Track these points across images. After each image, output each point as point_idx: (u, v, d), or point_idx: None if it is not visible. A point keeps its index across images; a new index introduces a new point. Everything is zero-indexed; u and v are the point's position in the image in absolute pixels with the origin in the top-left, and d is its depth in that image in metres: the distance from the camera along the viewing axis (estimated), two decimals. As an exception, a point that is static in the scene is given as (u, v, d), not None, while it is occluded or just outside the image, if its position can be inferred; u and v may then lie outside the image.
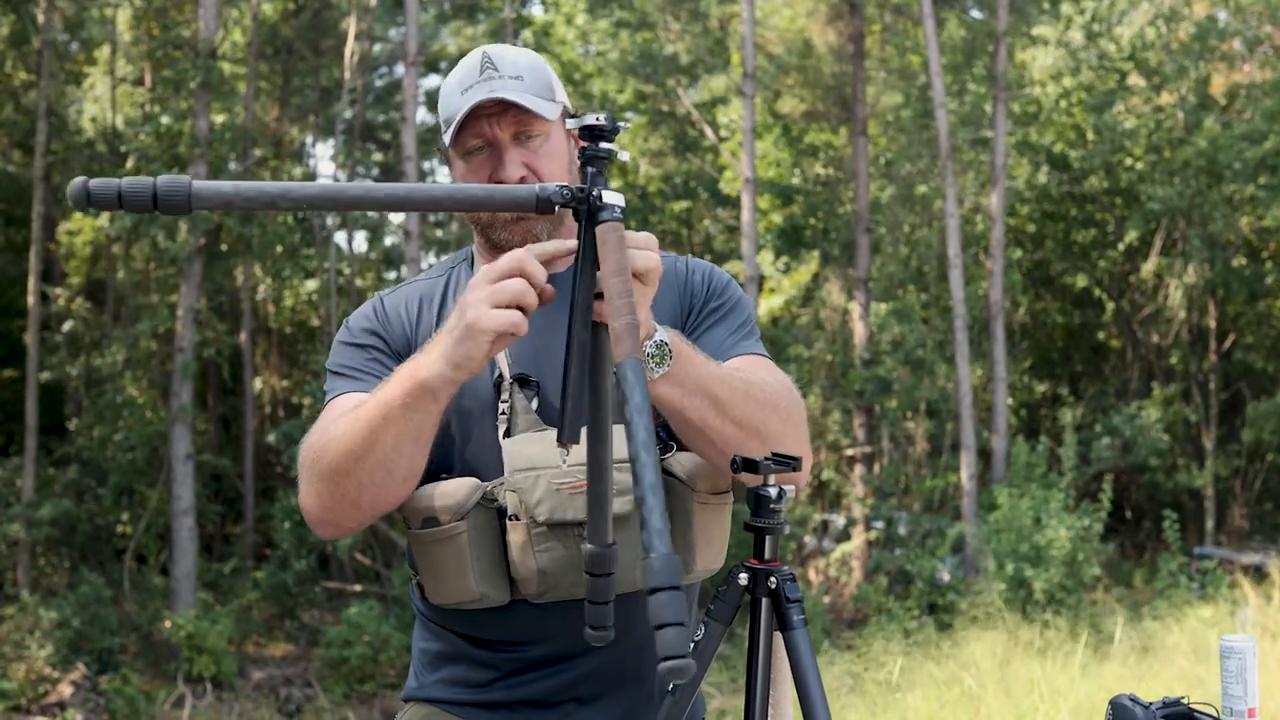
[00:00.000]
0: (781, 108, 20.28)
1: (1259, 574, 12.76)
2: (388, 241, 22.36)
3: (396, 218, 18.77)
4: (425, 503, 1.70)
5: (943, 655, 8.09)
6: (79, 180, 1.26)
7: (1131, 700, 1.70)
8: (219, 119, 16.17)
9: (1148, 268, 19.84)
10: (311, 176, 21.87)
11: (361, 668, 13.38)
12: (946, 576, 14.24)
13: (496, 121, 1.74)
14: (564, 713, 1.80)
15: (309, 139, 21.71)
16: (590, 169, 1.40)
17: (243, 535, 17.37)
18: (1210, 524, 18.54)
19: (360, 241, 22.27)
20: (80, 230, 19.13)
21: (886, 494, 17.17)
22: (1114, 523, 17.35)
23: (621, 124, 1.43)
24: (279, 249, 16.44)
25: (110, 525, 15.77)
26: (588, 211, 1.40)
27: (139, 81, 18.61)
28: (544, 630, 1.76)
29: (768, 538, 1.60)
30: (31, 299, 15.27)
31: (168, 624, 13.80)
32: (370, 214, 19.13)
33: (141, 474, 15.67)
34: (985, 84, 17.71)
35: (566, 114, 1.81)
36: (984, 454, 16.33)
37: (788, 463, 1.57)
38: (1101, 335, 22.10)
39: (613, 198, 1.39)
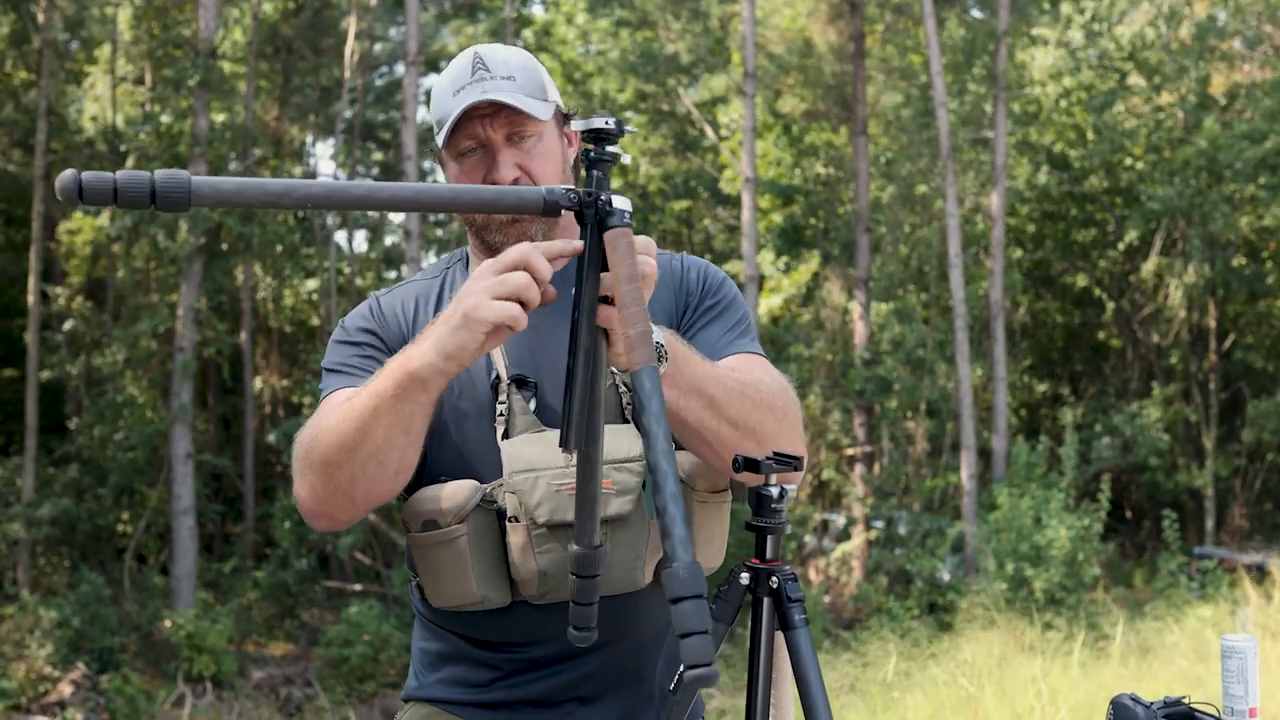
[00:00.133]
0: (782, 107, 20.28)
1: (1259, 573, 12.76)
2: (388, 241, 22.38)
3: (396, 217, 18.77)
4: (424, 506, 1.70)
5: (942, 655, 8.09)
6: (69, 173, 1.18)
7: (1133, 700, 1.69)
8: (219, 118, 16.18)
9: (1148, 267, 19.84)
10: (311, 175, 21.87)
11: (362, 667, 13.38)
12: (946, 576, 14.24)
13: (489, 123, 1.74)
14: (564, 712, 1.80)
15: (309, 138, 21.72)
16: (596, 172, 1.39)
17: (243, 534, 17.37)
18: (1210, 524, 18.54)
19: (360, 241, 22.30)
20: (80, 229, 19.13)
21: (887, 494, 17.17)
22: (1114, 522, 17.36)
23: (628, 128, 1.42)
24: (279, 248, 16.44)
25: (110, 525, 15.77)
26: (596, 216, 1.39)
27: (139, 80, 18.60)
28: (544, 631, 1.76)
29: (769, 537, 1.59)
30: (32, 298, 15.27)
31: (168, 623, 13.80)
32: (370, 213, 19.14)
33: (142, 473, 15.68)
34: (985, 84, 17.71)
35: (559, 113, 1.81)
36: (984, 454, 16.34)
37: (789, 462, 1.56)
38: (1101, 335, 22.10)
39: (621, 203, 1.38)
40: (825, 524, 18.14)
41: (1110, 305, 21.17)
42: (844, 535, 17.43)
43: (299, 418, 17.23)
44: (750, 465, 1.56)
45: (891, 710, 6.31)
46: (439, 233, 20.16)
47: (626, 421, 1.73)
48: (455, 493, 1.69)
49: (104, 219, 16.69)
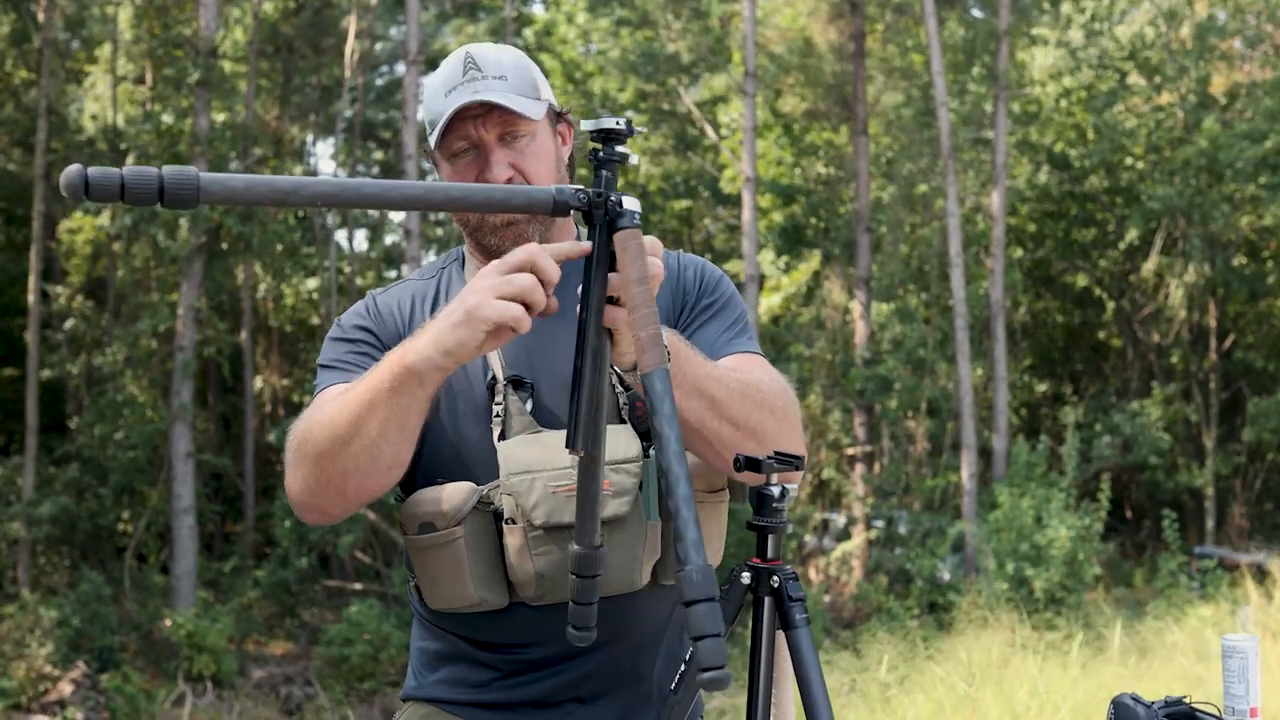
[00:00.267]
0: (782, 106, 20.28)
1: (1260, 573, 12.76)
2: (388, 240, 22.38)
3: (397, 216, 18.78)
4: (421, 508, 1.70)
5: (942, 655, 8.09)
6: (75, 168, 1.15)
7: (1133, 700, 1.69)
8: (219, 117, 16.18)
9: (1148, 267, 19.84)
10: (312, 174, 21.84)
11: (362, 666, 13.38)
12: (947, 576, 14.24)
13: (481, 123, 1.73)
14: (564, 712, 1.80)
15: (309, 137, 21.72)
16: (604, 172, 1.39)
17: (243, 534, 17.37)
18: (1210, 523, 18.54)
19: (361, 240, 22.30)
20: (81, 229, 19.13)
21: (887, 493, 17.17)
22: (1114, 522, 17.36)
23: (638, 129, 1.41)
24: (279, 247, 16.44)
25: (111, 524, 15.77)
26: (605, 216, 1.39)
27: (140, 80, 18.61)
28: (543, 632, 1.76)
29: (770, 536, 1.59)
30: (32, 297, 15.27)
31: (168, 622, 13.81)
32: (371, 212, 19.14)
33: (142, 472, 15.68)
34: (986, 83, 17.72)
35: (552, 111, 1.80)
36: (984, 453, 16.34)
37: (790, 461, 1.56)
38: (1102, 334, 22.10)
39: (631, 203, 1.38)
40: (825, 523, 18.14)
41: (1110, 305, 21.17)
42: (844, 535, 17.43)
43: (299, 417, 17.21)
44: (751, 465, 1.56)
45: (891, 710, 6.31)
46: (439, 232, 20.16)
47: (623, 422, 1.72)
48: (452, 495, 1.68)
49: (104, 218, 16.69)
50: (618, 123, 1.38)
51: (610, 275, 1.40)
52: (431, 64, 20.75)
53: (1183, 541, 13.97)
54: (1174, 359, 20.04)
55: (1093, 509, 12.94)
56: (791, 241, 20.39)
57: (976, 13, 19.32)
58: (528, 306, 1.41)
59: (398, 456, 1.57)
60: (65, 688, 12.32)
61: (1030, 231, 21.04)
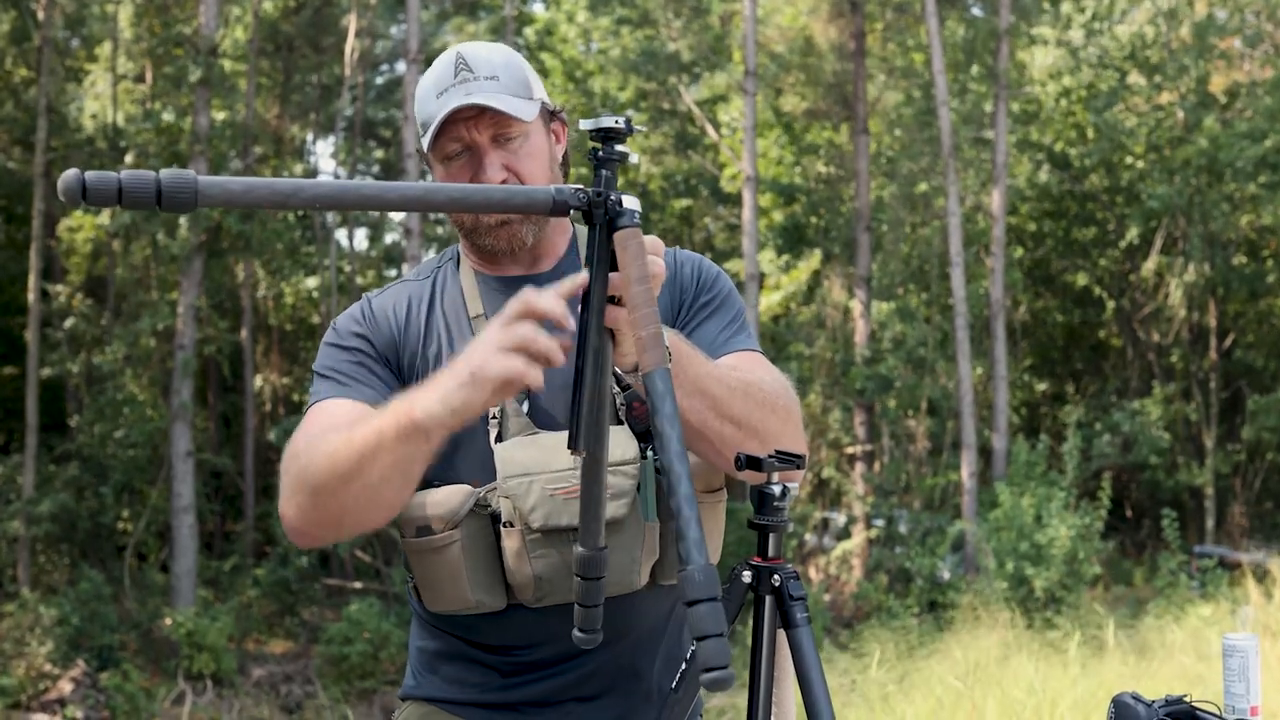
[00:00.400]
0: (783, 105, 20.28)
1: (1260, 572, 12.76)
2: (388, 239, 22.39)
3: (397, 215, 18.76)
4: (418, 511, 1.68)
5: (942, 654, 8.09)
6: (72, 173, 1.14)
7: (1134, 698, 1.69)
8: (220, 116, 16.18)
9: (1148, 266, 19.84)
10: (312, 173, 21.86)
11: (362, 665, 13.38)
12: (947, 575, 14.24)
13: (474, 125, 1.72)
14: (564, 712, 1.79)
15: (310, 136, 21.71)
16: (604, 172, 1.38)
17: (243, 532, 17.37)
18: (1210, 522, 18.54)
19: (361, 239, 22.29)
20: (81, 227, 19.12)
21: (887, 492, 17.17)
22: (1114, 521, 17.35)
23: (638, 127, 1.41)
24: (279, 246, 16.44)
25: (110, 522, 15.77)
26: (605, 215, 1.38)
27: (140, 78, 18.60)
28: (542, 633, 1.75)
29: (771, 535, 1.59)
30: (32, 296, 15.27)
31: (168, 621, 13.81)
32: (371, 212, 19.12)
33: (142, 471, 15.68)
34: (986, 83, 17.71)
35: (546, 110, 1.79)
36: (984, 452, 16.34)
37: (792, 460, 1.56)
38: (1102, 334, 22.10)
39: (631, 202, 1.37)
40: (825, 522, 18.14)
41: (1111, 304, 21.17)
42: (844, 534, 17.43)
43: (299, 416, 17.14)
44: (753, 463, 1.56)
45: (890, 708, 6.31)
46: (439, 230, 20.16)
47: (620, 423, 1.71)
48: (448, 498, 1.68)
49: (104, 217, 16.69)
50: (617, 121, 1.37)
51: (611, 275, 1.39)
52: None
53: (1183, 540, 13.96)
54: (1174, 358, 20.04)
55: (1093, 508, 12.94)
56: (792, 240, 20.39)
57: (977, 12, 19.32)
58: (535, 356, 1.38)
59: (397, 500, 1.57)
60: (65, 686, 12.32)
61: (1030, 231, 21.05)
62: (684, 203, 21.27)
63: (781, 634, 1.59)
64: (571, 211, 1.38)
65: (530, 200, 1.40)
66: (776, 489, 1.56)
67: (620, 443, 1.68)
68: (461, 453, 1.73)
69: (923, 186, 18.89)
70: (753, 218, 15.70)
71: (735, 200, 19.45)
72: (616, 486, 1.65)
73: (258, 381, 19.52)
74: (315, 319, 20.09)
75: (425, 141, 1.75)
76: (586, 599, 1.55)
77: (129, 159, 15.24)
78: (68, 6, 17.47)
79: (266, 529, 17.06)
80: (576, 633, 1.58)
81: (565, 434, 1.48)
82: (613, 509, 1.65)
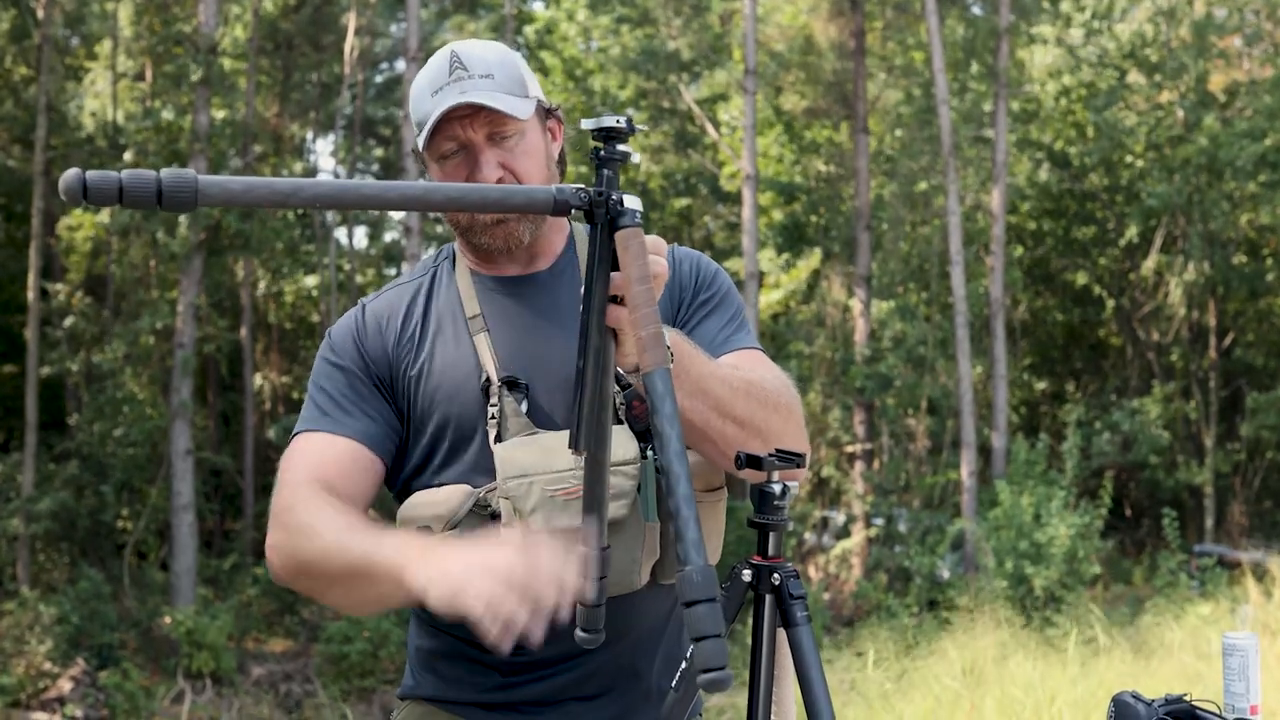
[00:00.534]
0: (783, 104, 20.27)
1: (1259, 571, 12.76)
2: (388, 237, 22.39)
3: (397, 213, 18.76)
4: (417, 512, 1.69)
5: (942, 652, 8.09)
6: (73, 172, 1.15)
7: (1134, 698, 1.69)
8: (219, 114, 16.17)
9: (1148, 265, 19.84)
10: (312, 172, 21.87)
11: (361, 664, 13.38)
12: (946, 573, 14.24)
13: (469, 124, 1.71)
14: (564, 711, 1.79)
15: (309, 134, 21.71)
16: (606, 171, 1.38)
17: (242, 531, 17.37)
18: (1210, 521, 18.54)
19: (360, 237, 22.29)
20: (81, 225, 19.12)
21: (887, 491, 17.17)
22: (1114, 520, 17.35)
23: (639, 126, 1.40)
24: (279, 245, 16.44)
25: (110, 521, 15.77)
26: (607, 215, 1.38)
27: (139, 77, 18.60)
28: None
29: (771, 534, 1.59)
30: (32, 294, 15.27)
31: (167, 620, 13.81)
32: (371, 211, 19.09)
33: (141, 470, 15.67)
34: (986, 81, 17.71)
35: (541, 108, 1.79)
36: (984, 451, 16.33)
37: (792, 459, 1.56)
38: (1102, 333, 22.10)
39: (632, 202, 1.37)
40: (825, 521, 18.15)
41: (1110, 303, 21.16)
42: (844, 532, 17.43)
43: (298, 414, 17.19)
44: (753, 462, 1.56)
45: (890, 707, 6.31)
46: (439, 229, 20.17)
47: (620, 423, 1.70)
48: (447, 499, 1.67)
49: (104, 215, 16.69)
50: (618, 121, 1.37)
51: (612, 274, 1.39)
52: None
53: (1182, 539, 13.96)
54: (1174, 357, 20.04)
55: (1093, 507, 12.94)
56: (792, 239, 20.39)
57: (977, 11, 19.31)
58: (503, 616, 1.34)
59: (374, 610, 1.65)
60: (65, 685, 12.32)
61: (1030, 229, 21.04)
62: (684, 201, 21.26)
63: (781, 633, 1.59)
64: (572, 211, 1.38)
65: (531, 200, 1.40)
66: (777, 488, 1.56)
67: (620, 442, 1.67)
68: (460, 453, 1.72)
69: (922, 185, 18.89)
70: (752, 216, 15.70)
71: (735, 199, 19.44)
72: (617, 487, 1.65)
73: (257, 380, 19.52)
74: (315, 317, 20.08)
75: (420, 140, 1.75)
76: (589, 598, 1.55)
77: (128, 157, 15.23)
78: (67, 5, 17.47)
79: (266, 528, 17.04)
80: (579, 632, 1.57)
81: (565, 434, 1.47)
82: (613, 509, 1.64)
